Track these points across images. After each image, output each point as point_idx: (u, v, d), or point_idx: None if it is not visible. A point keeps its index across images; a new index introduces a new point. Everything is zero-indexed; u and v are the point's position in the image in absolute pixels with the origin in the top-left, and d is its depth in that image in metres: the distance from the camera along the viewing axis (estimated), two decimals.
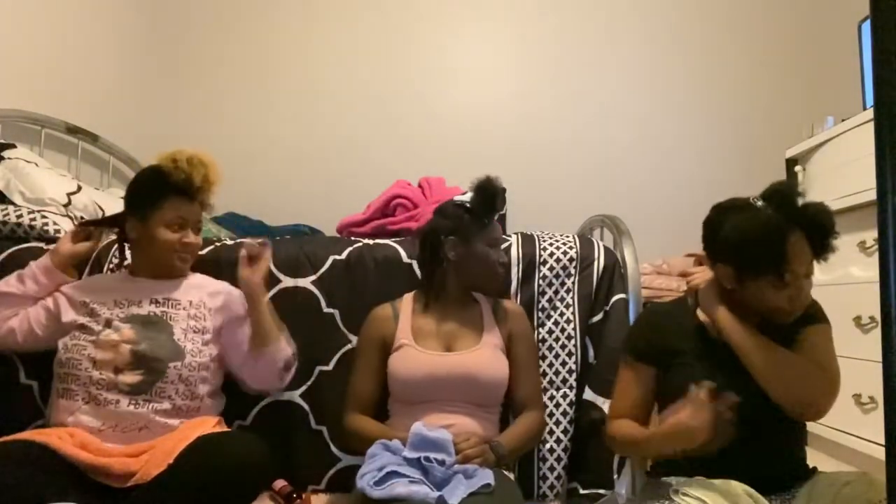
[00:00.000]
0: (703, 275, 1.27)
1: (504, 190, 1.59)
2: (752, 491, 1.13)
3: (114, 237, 1.72)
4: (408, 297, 1.60)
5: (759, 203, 1.23)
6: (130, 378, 1.38)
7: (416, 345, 1.49)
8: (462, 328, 1.52)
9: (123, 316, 1.45)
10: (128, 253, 1.67)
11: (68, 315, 1.48)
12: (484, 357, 1.47)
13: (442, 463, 1.23)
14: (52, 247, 1.62)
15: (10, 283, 1.53)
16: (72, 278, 1.58)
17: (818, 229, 1.22)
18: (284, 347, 1.51)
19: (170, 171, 1.48)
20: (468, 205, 1.57)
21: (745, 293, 1.24)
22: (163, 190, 1.49)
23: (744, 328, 1.22)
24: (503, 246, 1.77)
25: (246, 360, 1.51)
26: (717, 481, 1.13)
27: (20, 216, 1.94)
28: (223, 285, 1.60)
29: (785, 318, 1.24)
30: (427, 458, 1.23)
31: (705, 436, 1.12)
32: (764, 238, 1.19)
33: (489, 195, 1.55)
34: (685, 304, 1.37)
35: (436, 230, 1.58)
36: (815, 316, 1.28)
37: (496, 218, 1.58)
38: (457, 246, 1.55)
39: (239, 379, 1.55)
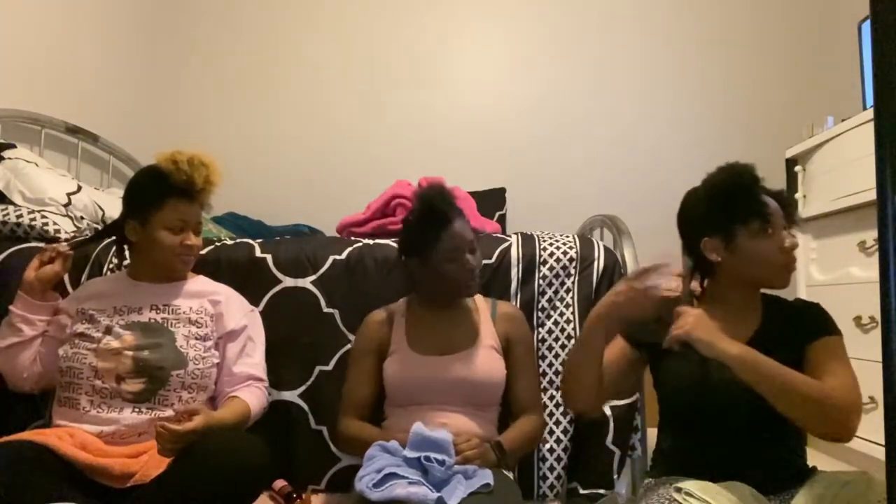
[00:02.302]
0: (688, 318, 1.17)
1: (448, 194, 1.48)
2: (757, 493, 1.13)
3: (113, 238, 1.71)
4: (402, 302, 1.60)
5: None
6: (133, 386, 1.37)
7: (410, 349, 1.48)
8: (458, 330, 1.51)
9: (124, 323, 1.44)
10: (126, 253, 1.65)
11: (72, 329, 1.47)
12: (479, 359, 1.46)
13: (442, 463, 1.23)
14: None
15: (4, 336, 1.48)
16: (54, 301, 1.53)
17: (775, 195, 1.29)
18: (255, 416, 1.47)
19: (170, 173, 1.44)
20: (412, 220, 1.51)
21: (736, 258, 1.23)
22: (163, 192, 1.46)
23: (757, 356, 1.13)
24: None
25: (226, 382, 1.50)
26: (720, 483, 1.13)
27: (20, 216, 1.94)
28: (224, 291, 1.58)
29: (783, 278, 1.25)
30: (427, 458, 1.23)
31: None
32: (738, 180, 1.24)
33: (428, 207, 1.48)
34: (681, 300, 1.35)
35: (398, 250, 1.56)
36: (823, 328, 1.23)
37: (454, 224, 1.46)
38: (417, 266, 1.49)
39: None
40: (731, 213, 1.23)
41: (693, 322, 1.15)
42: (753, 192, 1.24)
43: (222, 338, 1.52)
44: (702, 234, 1.27)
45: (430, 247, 1.46)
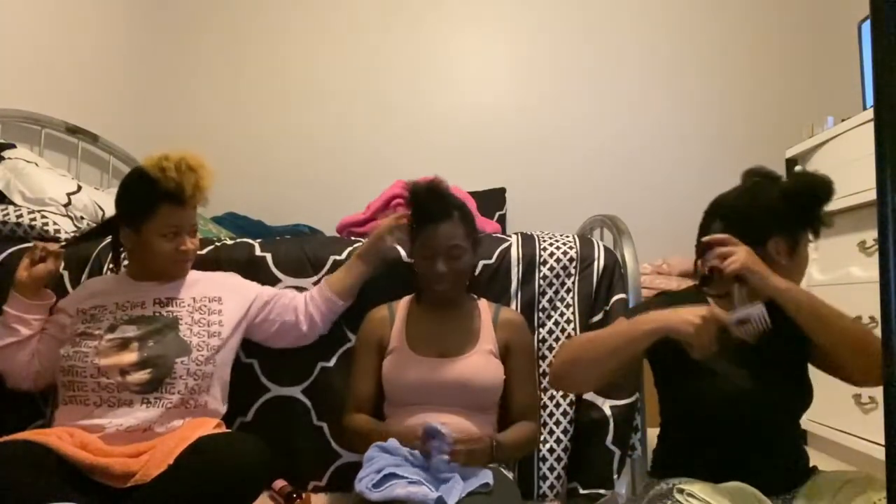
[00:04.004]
0: (740, 252, 1.17)
1: (439, 194, 1.49)
2: (758, 493, 1.13)
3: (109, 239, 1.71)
4: (405, 300, 1.60)
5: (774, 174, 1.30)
6: (139, 377, 1.38)
7: (409, 349, 1.48)
8: (457, 333, 1.51)
9: (127, 318, 1.44)
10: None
11: (73, 329, 1.47)
12: (477, 363, 1.46)
13: (439, 435, 1.22)
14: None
15: (2, 337, 1.47)
16: (49, 299, 1.52)
17: None
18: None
19: (158, 180, 1.41)
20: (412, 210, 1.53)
21: (793, 263, 1.24)
22: (153, 199, 1.43)
23: (806, 291, 1.18)
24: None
25: (296, 323, 1.60)
26: (721, 483, 1.13)
27: (20, 216, 1.94)
28: (225, 276, 1.61)
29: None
30: (431, 434, 1.23)
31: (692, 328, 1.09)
32: (823, 189, 1.23)
33: (417, 202, 1.50)
34: (698, 296, 1.32)
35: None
36: None
37: (432, 224, 1.46)
38: (410, 253, 1.56)
39: (277, 339, 1.63)
40: (809, 219, 1.25)
41: (745, 256, 1.16)
42: (827, 203, 1.25)
43: (256, 308, 1.59)
44: (771, 232, 1.24)
45: (416, 238, 1.50)
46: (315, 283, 1.73)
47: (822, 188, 1.24)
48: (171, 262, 1.50)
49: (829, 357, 1.19)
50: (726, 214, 1.29)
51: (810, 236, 1.27)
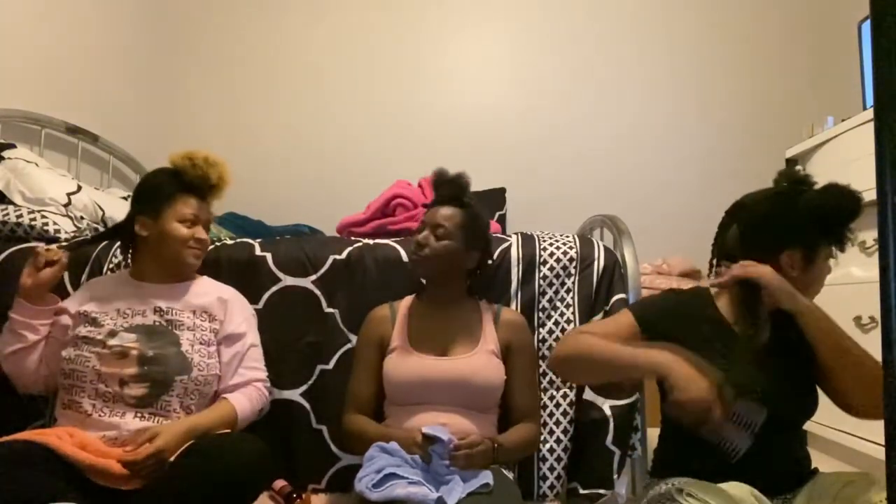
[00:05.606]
0: (762, 268, 1.18)
1: (457, 184, 1.56)
2: (758, 493, 1.12)
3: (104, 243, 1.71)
4: (407, 300, 1.60)
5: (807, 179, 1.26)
6: (136, 391, 1.37)
7: (410, 347, 1.48)
8: (459, 332, 1.51)
9: (127, 326, 1.44)
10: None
11: (74, 332, 1.46)
12: (478, 362, 1.46)
13: (441, 442, 1.23)
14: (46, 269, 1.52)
15: (9, 342, 1.47)
16: (54, 303, 1.52)
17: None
18: (248, 417, 1.48)
19: (186, 170, 1.50)
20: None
21: (807, 277, 1.22)
22: (177, 187, 1.51)
23: (825, 313, 1.18)
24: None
25: (224, 383, 1.50)
26: (721, 484, 1.13)
27: (20, 216, 1.94)
28: (229, 293, 1.59)
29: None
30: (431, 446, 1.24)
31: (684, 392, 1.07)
32: (850, 203, 1.19)
33: (436, 184, 1.61)
34: (704, 297, 1.33)
35: None
36: None
37: (436, 204, 1.56)
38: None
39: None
40: (830, 233, 1.21)
41: (771, 272, 1.17)
42: (853, 219, 1.21)
43: (221, 341, 1.52)
44: (786, 244, 1.22)
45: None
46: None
47: (849, 205, 1.19)
48: (187, 249, 1.51)
49: (834, 383, 1.18)
50: (744, 219, 1.27)
51: (834, 250, 1.24)
